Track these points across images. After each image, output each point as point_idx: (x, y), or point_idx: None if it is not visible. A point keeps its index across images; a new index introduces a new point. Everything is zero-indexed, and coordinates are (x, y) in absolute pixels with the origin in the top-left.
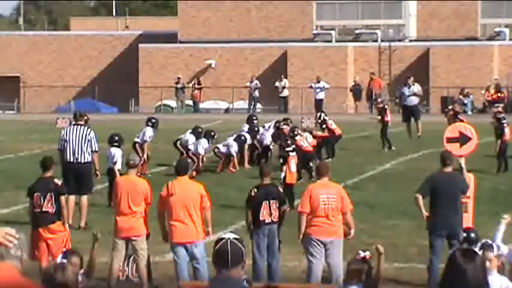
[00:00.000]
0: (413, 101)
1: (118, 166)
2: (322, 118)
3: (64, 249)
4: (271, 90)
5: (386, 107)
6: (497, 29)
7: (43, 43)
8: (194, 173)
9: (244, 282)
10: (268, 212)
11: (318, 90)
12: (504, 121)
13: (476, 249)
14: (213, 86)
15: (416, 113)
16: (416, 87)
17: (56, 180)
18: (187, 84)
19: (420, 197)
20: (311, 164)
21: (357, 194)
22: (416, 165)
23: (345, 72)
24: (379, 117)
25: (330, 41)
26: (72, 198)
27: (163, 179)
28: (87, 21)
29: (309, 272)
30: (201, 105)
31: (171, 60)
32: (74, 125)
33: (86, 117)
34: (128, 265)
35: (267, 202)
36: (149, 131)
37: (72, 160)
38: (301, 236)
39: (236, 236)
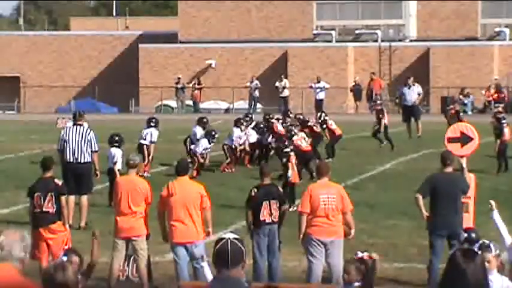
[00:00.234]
0: (414, 101)
1: (118, 166)
2: (322, 118)
3: (65, 248)
4: (271, 90)
5: (384, 108)
6: (497, 29)
7: (43, 43)
8: (195, 173)
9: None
10: (268, 212)
11: (318, 90)
12: (504, 121)
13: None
14: (213, 86)
15: (417, 113)
16: (417, 88)
17: (56, 180)
18: (188, 84)
19: (420, 197)
20: (311, 164)
21: (357, 194)
22: (417, 165)
23: (345, 72)
24: (378, 119)
25: (330, 41)
26: (72, 198)
27: (164, 179)
28: (87, 21)
29: (309, 272)
30: (201, 105)
31: (171, 60)
32: (74, 125)
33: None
34: (128, 265)
35: (267, 202)
36: (155, 132)
37: (71, 160)
38: (301, 236)
39: (236, 236)
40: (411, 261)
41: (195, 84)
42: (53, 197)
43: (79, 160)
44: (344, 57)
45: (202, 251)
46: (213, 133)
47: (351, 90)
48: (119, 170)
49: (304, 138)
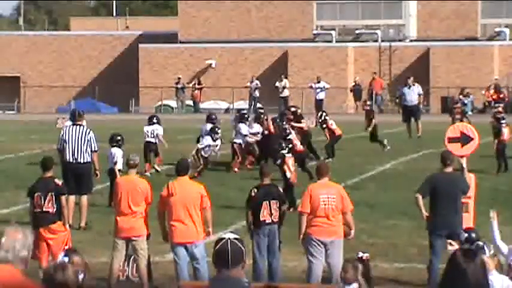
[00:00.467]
0: (414, 101)
1: (119, 166)
2: (323, 118)
3: (66, 248)
4: (271, 90)
5: (374, 109)
6: (497, 29)
7: (43, 43)
8: (196, 173)
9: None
10: (268, 212)
11: (318, 90)
12: (503, 121)
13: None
14: (213, 86)
15: (417, 113)
16: (417, 88)
17: (56, 180)
18: (188, 84)
19: (420, 197)
20: (307, 164)
21: (357, 194)
22: (417, 165)
23: (345, 72)
24: (369, 120)
25: (330, 41)
26: (72, 198)
27: (164, 179)
28: (87, 21)
29: (309, 272)
30: (201, 105)
31: (171, 60)
32: (73, 125)
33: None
34: (128, 265)
35: (267, 202)
36: (161, 129)
37: (71, 160)
38: (301, 236)
39: (236, 236)
40: (411, 261)
41: (195, 84)
42: (53, 197)
43: (79, 160)
44: (344, 57)
45: (203, 251)
46: (216, 129)
47: (351, 90)
48: (119, 170)
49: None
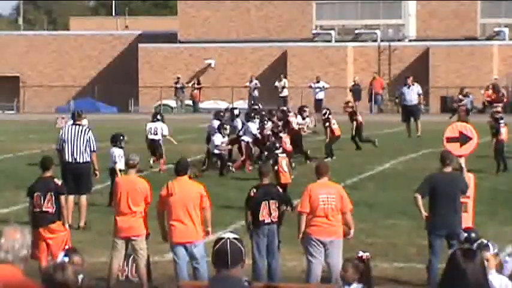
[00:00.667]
0: (414, 100)
1: (120, 166)
2: (326, 116)
3: (66, 247)
4: (270, 90)
5: (330, 117)
6: (496, 29)
7: (42, 43)
8: (199, 172)
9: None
10: (267, 212)
11: (317, 90)
12: (501, 121)
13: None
14: (212, 85)
15: (416, 113)
16: (417, 87)
17: (56, 180)
18: (187, 84)
19: (419, 197)
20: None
21: (356, 193)
22: (416, 164)
23: (344, 72)
24: (353, 121)
25: (330, 41)
26: (71, 198)
27: (163, 179)
28: (87, 21)
29: (308, 272)
30: (201, 105)
31: (170, 60)
32: (73, 125)
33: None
34: (127, 265)
35: (267, 202)
36: (166, 128)
37: (70, 160)
38: (300, 235)
39: (236, 236)
40: (410, 261)
41: (194, 84)
42: (53, 197)
43: (78, 160)
44: (343, 57)
45: (202, 251)
46: (225, 125)
47: (350, 90)
48: (120, 170)
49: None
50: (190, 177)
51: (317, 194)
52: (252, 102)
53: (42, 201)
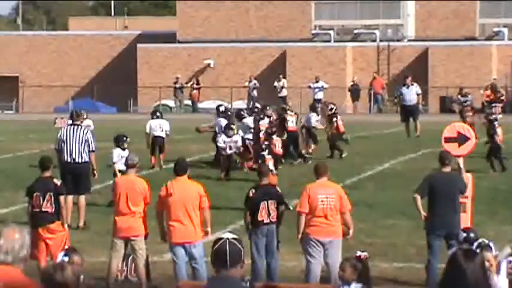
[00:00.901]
0: (413, 100)
1: (119, 167)
2: (333, 111)
3: (66, 247)
4: (270, 90)
5: (337, 112)
6: (495, 29)
7: (42, 43)
8: (222, 175)
9: (247, 283)
10: (266, 212)
11: (316, 90)
12: (496, 122)
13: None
14: (211, 85)
15: (415, 113)
16: (416, 87)
17: (55, 180)
18: (186, 84)
19: (418, 197)
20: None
21: (355, 193)
22: (415, 165)
23: (343, 72)
24: (333, 124)
25: (329, 41)
26: (70, 198)
27: (163, 179)
28: (86, 21)
29: (307, 272)
30: (200, 105)
31: (169, 60)
32: (71, 125)
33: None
34: (126, 265)
35: (266, 202)
36: (167, 124)
37: (69, 160)
38: (300, 236)
39: (235, 236)
40: (410, 261)
41: (193, 84)
42: (52, 197)
43: (77, 160)
44: (342, 57)
45: (201, 251)
46: (231, 125)
47: (349, 90)
48: (119, 170)
49: (278, 142)
50: (189, 178)
51: (316, 194)
52: (252, 102)
53: (41, 202)
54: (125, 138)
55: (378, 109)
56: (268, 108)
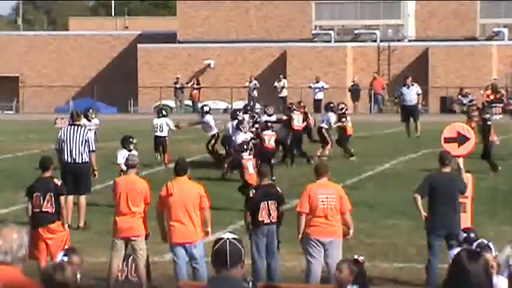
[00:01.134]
0: (413, 101)
1: (123, 166)
2: (343, 111)
3: (66, 248)
4: (270, 90)
5: (347, 113)
6: (496, 29)
7: (42, 43)
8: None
9: (250, 283)
10: (267, 213)
11: (316, 90)
12: (489, 122)
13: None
14: (212, 86)
15: (416, 113)
16: (416, 87)
17: (55, 180)
18: (186, 84)
19: (419, 197)
20: (272, 162)
21: (356, 194)
22: (416, 165)
23: (344, 72)
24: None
25: (329, 41)
26: (70, 198)
27: (163, 179)
28: (86, 21)
29: (308, 272)
30: (200, 105)
31: (170, 60)
32: (72, 125)
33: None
34: (127, 265)
35: (266, 203)
36: (170, 122)
37: (70, 160)
38: (300, 236)
39: (235, 236)
40: (410, 261)
41: (193, 84)
42: (52, 197)
43: (77, 160)
44: (343, 57)
45: (201, 251)
46: (242, 123)
47: (349, 90)
48: (122, 170)
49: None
50: (189, 178)
51: (316, 194)
52: (252, 103)
53: (41, 202)
54: (131, 140)
55: (378, 109)
56: (268, 107)
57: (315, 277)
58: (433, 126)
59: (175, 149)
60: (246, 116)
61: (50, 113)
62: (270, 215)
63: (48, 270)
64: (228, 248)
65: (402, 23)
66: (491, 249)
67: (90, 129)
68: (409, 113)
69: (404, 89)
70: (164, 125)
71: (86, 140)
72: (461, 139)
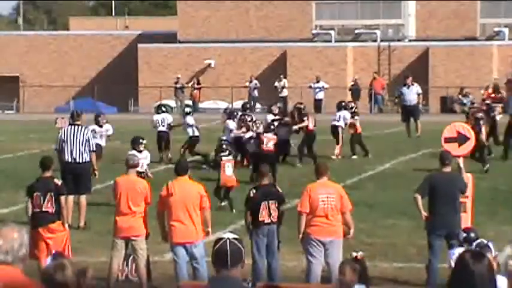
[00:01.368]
0: (413, 100)
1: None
2: (354, 110)
3: (54, 252)
4: (270, 90)
5: (357, 112)
6: (496, 29)
7: (42, 43)
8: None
9: (249, 284)
10: (267, 213)
11: (317, 90)
12: (481, 121)
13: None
14: (212, 85)
15: (416, 113)
16: (416, 87)
17: (56, 180)
18: (187, 84)
19: (419, 197)
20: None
21: (356, 193)
22: (416, 165)
23: (344, 72)
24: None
25: (330, 41)
26: (70, 198)
27: (164, 179)
28: (87, 21)
29: (308, 272)
30: (201, 105)
31: (170, 60)
32: (72, 125)
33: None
34: (127, 265)
35: (266, 203)
36: (170, 118)
37: (70, 160)
38: (300, 235)
39: (235, 236)
40: (410, 261)
41: (194, 84)
42: (53, 197)
43: (77, 160)
44: (343, 57)
45: (202, 251)
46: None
47: (349, 90)
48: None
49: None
50: (190, 178)
51: (317, 194)
52: (253, 102)
53: (41, 201)
54: (141, 141)
55: (378, 109)
56: (273, 107)
57: (315, 277)
58: (433, 126)
59: (176, 149)
60: (232, 122)
61: (50, 113)
62: (270, 214)
63: (49, 270)
64: (228, 247)
65: (402, 22)
66: (490, 249)
67: (101, 135)
68: (409, 113)
69: (405, 89)
70: (165, 120)
71: (86, 140)
72: (461, 139)
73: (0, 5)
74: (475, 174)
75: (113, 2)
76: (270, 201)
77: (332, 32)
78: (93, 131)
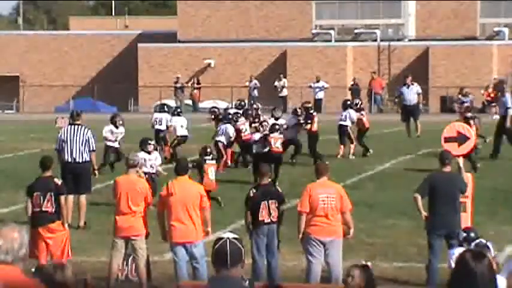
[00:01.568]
0: (413, 100)
1: (143, 169)
2: (359, 106)
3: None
4: (270, 90)
5: (363, 108)
6: (496, 29)
7: (42, 43)
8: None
9: (247, 282)
10: (267, 212)
11: (317, 89)
12: (471, 121)
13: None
14: (212, 85)
15: (416, 113)
16: (416, 87)
17: (55, 179)
18: (187, 84)
19: (419, 197)
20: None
21: (356, 193)
22: (416, 164)
23: (344, 72)
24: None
25: (329, 41)
26: (70, 197)
27: (164, 179)
28: (87, 20)
29: (308, 272)
30: (200, 105)
31: (170, 59)
32: (72, 124)
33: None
34: (127, 265)
35: (266, 202)
36: (168, 116)
37: (70, 160)
38: (300, 235)
39: (235, 236)
40: (410, 261)
41: (194, 83)
42: (52, 197)
43: (77, 160)
44: (343, 56)
45: (202, 250)
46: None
47: (349, 90)
48: (144, 172)
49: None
50: (190, 178)
51: (317, 194)
52: (253, 102)
53: (41, 201)
54: (149, 142)
55: (378, 109)
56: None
57: (315, 276)
58: (433, 126)
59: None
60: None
61: (50, 113)
62: (270, 214)
63: (49, 270)
64: (228, 247)
65: (402, 22)
66: (489, 249)
67: (116, 138)
68: (409, 112)
69: (404, 89)
70: (163, 120)
71: (86, 140)
72: (461, 139)
73: (0, 5)
74: (474, 174)
75: (113, 1)
76: (270, 201)
77: (332, 31)
78: (110, 131)
